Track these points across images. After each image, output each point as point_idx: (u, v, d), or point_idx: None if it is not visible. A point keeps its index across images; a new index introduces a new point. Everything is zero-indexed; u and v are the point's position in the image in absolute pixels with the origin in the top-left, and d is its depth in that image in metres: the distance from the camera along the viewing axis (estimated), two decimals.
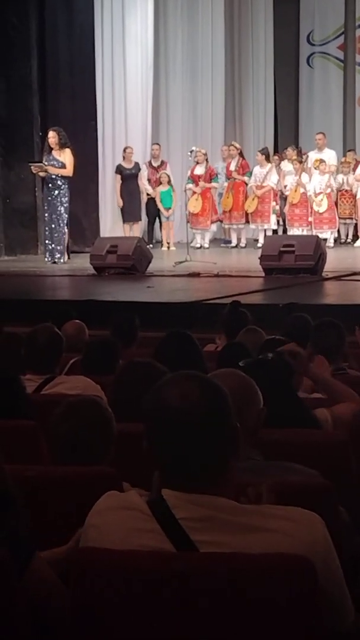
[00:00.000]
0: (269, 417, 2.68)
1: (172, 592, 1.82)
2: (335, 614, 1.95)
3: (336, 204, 14.79)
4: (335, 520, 2.37)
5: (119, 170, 14.69)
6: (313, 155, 14.99)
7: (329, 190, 14.51)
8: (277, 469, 2.55)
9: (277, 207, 15.00)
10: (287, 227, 14.90)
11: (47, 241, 12.94)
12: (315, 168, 14.61)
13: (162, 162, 15.27)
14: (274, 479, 2.35)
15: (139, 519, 1.93)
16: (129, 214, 14.70)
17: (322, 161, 14.58)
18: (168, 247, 14.73)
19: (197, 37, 16.34)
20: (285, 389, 3.09)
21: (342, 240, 15.39)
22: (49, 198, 12.71)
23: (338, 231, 15.13)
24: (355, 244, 14.77)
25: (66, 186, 12.65)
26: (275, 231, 14.97)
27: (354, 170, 14.97)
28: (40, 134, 13.91)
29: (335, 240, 14.86)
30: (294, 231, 14.47)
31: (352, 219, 15.28)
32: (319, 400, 3.79)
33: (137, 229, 14.79)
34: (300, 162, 14.95)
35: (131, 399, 2.99)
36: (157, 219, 15.26)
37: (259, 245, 13.61)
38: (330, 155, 14.98)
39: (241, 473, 2.22)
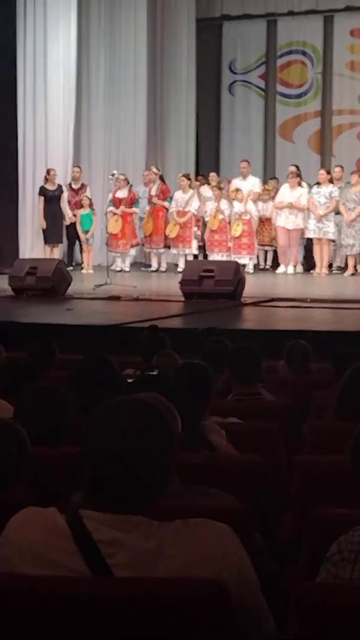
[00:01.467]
0: (193, 440, 2.70)
1: (86, 617, 1.81)
2: (254, 630, 1.96)
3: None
4: (249, 545, 2.38)
5: (43, 192, 14.65)
6: (236, 183, 15.17)
7: (247, 216, 14.69)
8: (194, 493, 2.55)
9: (199, 233, 15.13)
10: (207, 252, 15.04)
11: None
12: (233, 198, 14.81)
13: (83, 185, 15.27)
14: (190, 503, 2.35)
15: (56, 538, 1.91)
16: (51, 236, 14.68)
17: (238, 190, 14.79)
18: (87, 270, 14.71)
19: (119, 61, 16.41)
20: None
21: (262, 267, 15.59)
22: None
23: (257, 257, 15.33)
24: (277, 271, 14.96)
25: None
26: (195, 256, 15.08)
27: (274, 198, 15.19)
28: None
29: (254, 267, 15.03)
30: (213, 256, 14.61)
31: (271, 245, 15.50)
32: (233, 424, 3.81)
33: (57, 251, 14.76)
34: (220, 189, 15.14)
35: (32, 423, 3.00)
36: (77, 241, 15.24)
37: (179, 269, 13.68)
38: (254, 183, 15.19)
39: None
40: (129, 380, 3.13)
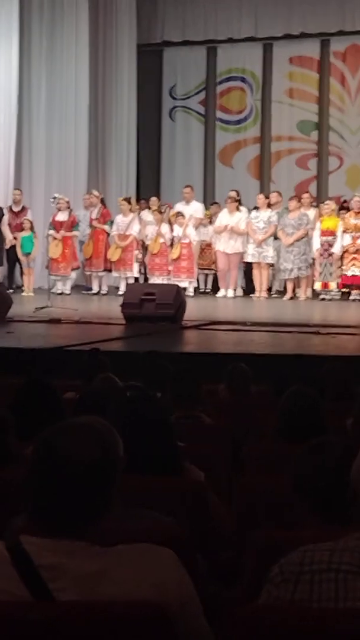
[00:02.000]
0: (143, 463, 2.70)
1: None
2: None
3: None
4: (191, 568, 2.39)
5: None
6: (180, 207, 15.26)
7: (187, 240, 14.78)
8: (134, 516, 2.55)
9: (140, 256, 15.17)
10: (147, 275, 15.08)
11: None
12: (173, 222, 14.90)
13: (23, 208, 15.21)
14: (131, 527, 2.35)
15: None
16: None
17: (179, 214, 14.88)
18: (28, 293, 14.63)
19: (60, 85, 16.42)
20: (162, 435, 3.10)
21: (202, 290, 15.67)
22: None
23: (198, 281, 15.42)
24: (217, 294, 15.05)
25: None
26: (136, 279, 15.11)
27: (212, 223, 15.30)
28: None
29: (195, 290, 15.11)
30: (154, 280, 14.66)
31: (211, 269, 15.60)
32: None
33: None
34: (161, 212, 15.23)
35: None
36: (17, 263, 15.15)
37: (120, 292, 13.68)
38: (196, 208, 15.30)
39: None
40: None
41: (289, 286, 14.55)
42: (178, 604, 1.91)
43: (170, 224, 15.05)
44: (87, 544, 1.91)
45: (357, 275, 14.04)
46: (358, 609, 1.84)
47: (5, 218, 14.73)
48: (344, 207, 15.21)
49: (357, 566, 1.88)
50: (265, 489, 3.22)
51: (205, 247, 15.41)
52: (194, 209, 15.25)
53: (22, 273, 15.17)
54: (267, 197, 14.92)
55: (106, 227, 15.09)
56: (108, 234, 15.11)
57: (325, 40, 17.51)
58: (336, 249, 14.05)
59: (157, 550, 1.97)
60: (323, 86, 17.62)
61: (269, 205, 14.78)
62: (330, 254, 14.14)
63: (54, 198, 14.20)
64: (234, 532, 3.21)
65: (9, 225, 14.82)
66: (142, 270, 15.31)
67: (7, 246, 14.79)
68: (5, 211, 14.80)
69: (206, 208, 16.07)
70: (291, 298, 14.43)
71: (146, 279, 15.01)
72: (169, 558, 1.97)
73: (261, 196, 14.99)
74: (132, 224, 15.01)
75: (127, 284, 14.12)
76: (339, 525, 2.24)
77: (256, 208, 14.79)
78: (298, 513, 2.58)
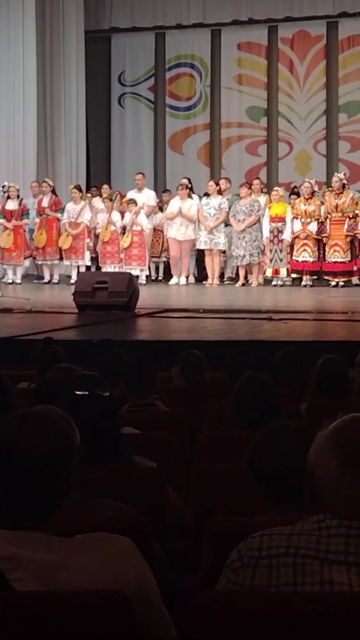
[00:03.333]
0: (90, 455, 2.68)
1: None
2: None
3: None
4: (148, 555, 2.39)
5: None
6: (132, 195, 15.22)
7: (139, 228, 14.76)
8: (93, 505, 2.55)
9: (91, 244, 15.12)
10: (99, 264, 15.04)
11: None
12: (125, 210, 14.87)
13: None
14: (88, 516, 2.35)
15: None
16: None
17: (131, 201, 14.85)
18: None
19: (8, 73, 16.27)
20: (107, 426, 3.09)
21: (154, 278, 15.66)
22: None
23: (149, 269, 15.40)
24: (169, 282, 15.05)
25: None
26: (88, 267, 15.05)
27: (164, 209, 15.29)
28: None
29: (147, 278, 15.09)
30: (106, 268, 14.63)
31: (161, 257, 15.59)
32: (131, 435, 3.82)
33: None
34: (111, 200, 15.18)
35: None
36: None
37: (72, 281, 13.62)
38: (149, 195, 15.27)
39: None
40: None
41: (241, 273, 14.60)
42: (137, 592, 1.92)
43: (122, 211, 15.02)
44: (45, 534, 1.91)
45: (307, 261, 14.14)
46: (316, 593, 1.86)
47: None
48: (294, 192, 15.29)
49: (314, 550, 1.89)
50: (221, 476, 3.24)
51: (157, 234, 15.39)
52: (147, 196, 15.22)
53: None
54: (217, 184, 14.95)
55: (58, 215, 15.01)
56: (60, 222, 15.03)
57: (273, 27, 17.56)
58: (286, 235, 14.13)
59: (115, 539, 1.98)
60: (272, 72, 17.67)
61: (220, 192, 14.80)
62: (280, 240, 14.22)
63: (4, 186, 14.09)
64: (191, 519, 3.22)
65: None
66: (94, 259, 15.25)
67: None
68: None
69: (157, 195, 16.06)
70: (243, 284, 14.49)
71: (98, 268, 14.97)
72: (127, 547, 1.97)
73: (212, 183, 15.01)
74: (83, 212, 14.95)
75: (79, 273, 14.06)
76: (295, 509, 2.26)
77: (207, 195, 14.80)
78: (254, 498, 2.60)
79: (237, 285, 14.52)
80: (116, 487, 2.90)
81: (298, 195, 14.76)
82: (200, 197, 14.91)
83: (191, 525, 3.23)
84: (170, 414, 4.68)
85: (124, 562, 1.94)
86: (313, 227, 14.00)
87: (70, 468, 1.96)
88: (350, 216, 13.81)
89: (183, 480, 3.70)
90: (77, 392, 3.19)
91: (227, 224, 14.62)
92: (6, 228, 14.59)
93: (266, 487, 2.57)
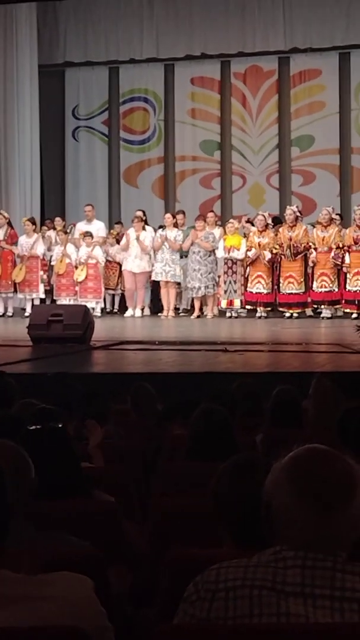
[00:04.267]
0: (48, 488, 2.67)
1: None
2: None
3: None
4: (105, 590, 2.38)
5: None
6: (81, 226, 15.26)
7: (94, 260, 14.77)
8: (49, 540, 2.53)
9: (45, 277, 15.09)
10: (54, 297, 15.01)
11: None
12: (82, 240, 14.90)
13: None
14: (44, 550, 2.33)
15: None
16: None
17: (87, 233, 14.88)
18: None
19: None
20: (64, 459, 3.08)
21: (109, 310, 15.65)
22: None
23: (105, 301, 15.40)
24: (125, 314, 15.05)
25: None
26: (43, 300, 15.01)
27: (119, 242, 15.34)
28: None
29: (102, 310, 15.08)
30: (61, 300, 14.60)
31: (116, 289, 15.61)
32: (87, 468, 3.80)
33: None
34: (66, 232, 15.20)
35: None
36: None
37: (27, 314, 13.55)
38: (98, 227, 15.32)
39: (12, 545, 2.19)
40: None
41: (197, 304, 14.65)
42: (94, 632, 1.91)
43: (76, 244, 15.03)
44: (5, 571, 1.89)
45: (261, 293, 14.24)
46: (272, 624, 1.86)
47: None
48: (250, 221, 15.42)
49: (271, 582, 1.90)
50: (179, 508, 3.23)
51: (111, 266, 15.41)
52: (97, 227, 15.27)
53: None
54: (173, 217, 15.04)
55: (14, 248, 14.98)
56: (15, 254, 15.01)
57: (225, 62, 17.77)
58: (239, 255, 14.22)
59: (75, 578, 1.97)
60: (225, 107, 17.85)
61: (176, 225, 14.89)
62: (235, 272, 14.32)
63: None
64: (148, 552, 3.21)
65: None
66: (49, 292, 15.22)
67: None
68: None
69: (110, 227, 16.13)
70: (198, 316, 14.53)
71: (53, 300, 14.93)
72: (86, 587, 1.96)
73: (169, 215, 15.10)
74: (37, 245, 14.93)
75: (33, 305, 14.01)
76: (255, 545, 2.26)
77: (162, 227, 14.88)
78: (213, 531, 2.59)
79: (192, 317, 14.57)
80: (74, 521, 2.89)
81: (253, 224, 14.89)
82: (155, 230, 14.99)
83: (149, 559, 3.22)
84: (125, 447, 4.66)
85: (83, 602, 1.93)
86: (267, 255, 14.12)
87: (5, 502, 1.95)
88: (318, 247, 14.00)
89: (140, 513, 3.69)
90: (32, 427, 3.18)
91: (182, 255, 14.69)
92: None
93: (225, 522, 2.54)
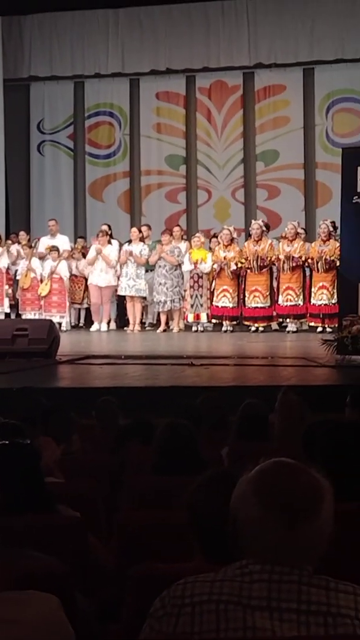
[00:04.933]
0: (12, 504, 2.65)
1: None
2: None
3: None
4: (72, 607, 2.36)
5: None
6: (45, 241, 15.24)
7: (58, 275, 14.73)
8: (14, 556, 2.50)
9: (10, 291, 15.02)
10: (19, 311, 14.94)
11: None
12: (48, 254, 14.86)
13: None
14: (10, 566, 2.31)
15: None
16: None
17: (53, 248, 14.86)
18: None
19: None
20: (29, 474, 3.06)
21: (73, 324, 15.61)
22: None
23: (70, 315, 15.35)
24: (90, 329, 15.02)
25: None
26: (7, 315, 14.93)
27: (85, 256, 15.33)
28: None
29: (67, 325, 15.02)
30: (26, 315, 14.53)
31: (82, 303, 15.58)
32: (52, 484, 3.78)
33: None
34: (31, 247, 15.15)
35: None
36: None
37: None
38: (62, 241, 15.29)
39: None
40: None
41: (162, 318, 14.65)
42: None
43: (41, 258, 14.98)
44: None
45: (227, 307, 14.28)
46: (239, 639, 1.86)
47: None
48: (214, 236, 15.48)
49: (237, 596, 1.89)
50: (144, 524, 3.22)
51: (77, 281, 15.38)
52: (61, 241, 15.26)
53: None
54: (140, 231, 15.06)
55: None
56: None
57: (190, 77, 17.85)
58: (205, 269, 14.26)
59: (41, 597, 1.95)
60: (190, 121, 17.92)
61: (142, 239, 14.91)
62: (201, 286, 14.36)
63: None
64: (114, 568, 3.19)
65: None
66: (13, 306, 15.15)
67: None
68: None
69: (74, 241, 16.12)
70: (165, 330, 14.53)
71: (18, 315, 14.86)
72: (53, 605, 1.95)
73: (135, 230, 15.12)
74: (1, 259, 14.87)
75: None
76: (220, 559, 2.25)
77: (129, 242, 14.89)
78: (179, 545, 2.58)
79: (158, 331, 14.56)
80: (38, 537, 2.87)
81: (216, 237, 14.96)
82: (121, 244, 14.99)
83: (115, 574, 3.20)
84: (91, 462, 4.64)
85: (49, 620, 1.91)
86: (232, 265, 14.16)
87: None
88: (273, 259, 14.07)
89: (106, 528, 3.67)
90: None
91: (148, 269, 14.70)
92: None
93: (201, 535, 2.51)
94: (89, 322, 15.44)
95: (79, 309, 15.81)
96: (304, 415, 4.97)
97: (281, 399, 5.18)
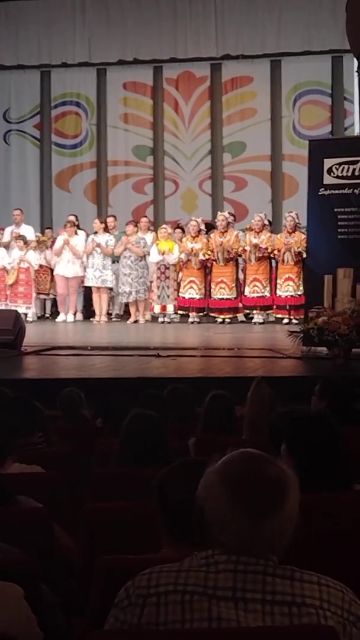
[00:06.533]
0: None
1: None
2: None
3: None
4: (37, 599, 2.35)
5: None
6: (10, 230, 15.14)
7: (26, 265, 14.64)
8: None
9: None
10: None
11: None
12: (16, 243, 14.78)
13: None
14: None
15: None
16: None
17: (20, 237, 14.77)
18: None
19: None
20: None
21: (40, 315, 15.53)
22: None
23: (36, 306, 15.27)
24: (57, 319, 14.96)
25: None
26: None
27: (51, 247, 15.26)
28: None
29: (33, 315, 14.94)
30: None
31: (49, 294, 15.51)
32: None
33: None
34: None
35: None
36: None
37: None
38: (27, 231, 15.21)
39: None
40: None
41: (132, 309, 14.62)
42: (23, 637, 1.88)
43: (6, 247, 14.89)
44: None
45: (194, 298, 14.28)
46: (204, 629, 1.86)
47: None
48: (180, 227, 15.46)
49: (202, 586, 1.89)
50: (111, 514, 3.21)
51: (43, 271, 15.30)
52: (26, 231, 15.18)
53: None
54: (102, 222, 15.01)
55: None
56: None
57: (158, 67, 17.80)
58: (172, 260, 14.26)
59: (4, 586, 1.94)
60: (157, 112, 17.88)
61: (107, 230, 14.87)
62: (167, 277, 14.35)
63: None
64: (80, 559, 3.18)
65: None
66: None
67: None
68: None
69: (41, 232, 16.02)
70: (136, 321, 14.50)
71: None
72: (16, 595, 1.94)
73: (97, 221, 15.08)
74: None
75: None
76: (188, 547, 2.25)
77: (95, 233, 14.84)
78: (145, 536, 2.58)
79: (128, 322, 14.52)
80: (3, 528, 2.85)
81: (184, 231, 14.95)
82: (87, 234, 14.94)
83: (81, 565, 3.19)
84: (57, 452, 4.62)
85: (12, 610, 1.90)
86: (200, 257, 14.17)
87: None
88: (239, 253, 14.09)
89: (72, 519, 3.66)
90: None
91: (114, 260, 14.66)
92: None
93: (171, 521, 2.49)
94: (55, 312, 15.37)
95: (45, 300, 15.74)
96: (273, 407, 4.97)
97: (254, 389, 5.16)
